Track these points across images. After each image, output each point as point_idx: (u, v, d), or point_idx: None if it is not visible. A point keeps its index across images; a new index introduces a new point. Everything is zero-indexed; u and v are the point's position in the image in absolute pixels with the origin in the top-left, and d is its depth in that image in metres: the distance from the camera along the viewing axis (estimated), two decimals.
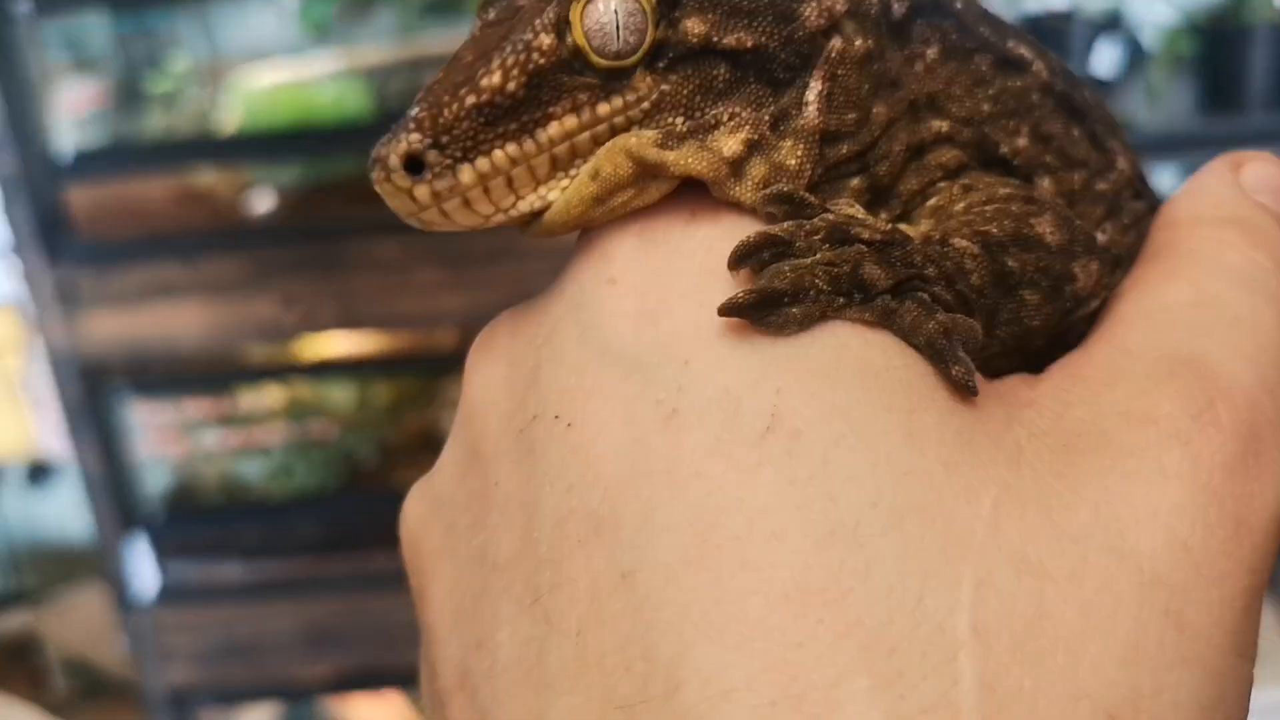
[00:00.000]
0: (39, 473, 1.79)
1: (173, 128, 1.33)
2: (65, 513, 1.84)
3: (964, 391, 0.23)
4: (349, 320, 1.28)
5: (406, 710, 1.72)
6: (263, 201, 1.32)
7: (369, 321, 1.29)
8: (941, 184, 0.28)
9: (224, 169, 1.32)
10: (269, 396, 1.41)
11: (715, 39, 0.25)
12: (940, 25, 0.29)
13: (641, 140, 0.25)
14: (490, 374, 0.27)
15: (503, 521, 0.24)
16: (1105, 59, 1.48)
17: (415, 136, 0.25)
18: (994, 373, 0.26)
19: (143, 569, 1.40)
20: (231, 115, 1.31)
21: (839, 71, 0.26)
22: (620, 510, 0.22)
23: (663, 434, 0.22)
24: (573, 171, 0.26)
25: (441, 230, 0.26)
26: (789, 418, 0.22)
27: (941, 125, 0.29)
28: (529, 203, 0.26)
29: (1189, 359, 0.24)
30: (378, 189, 0.26)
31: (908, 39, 0.28)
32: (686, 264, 0.24)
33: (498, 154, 0.25)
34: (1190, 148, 1.35)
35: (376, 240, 1.26)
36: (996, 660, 0.20)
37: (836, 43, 0.26)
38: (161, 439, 1.41)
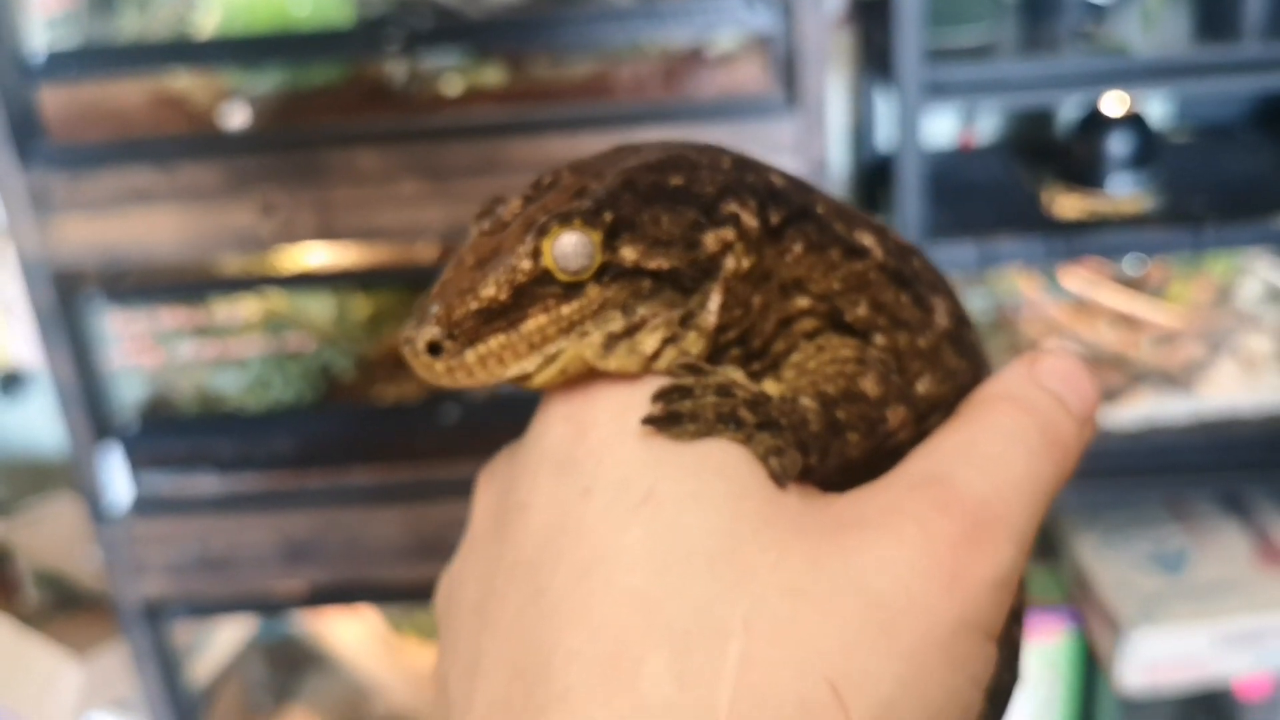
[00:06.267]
0: (11, 382, 1.77)
1: (147, 30, 1.29)
2: (38, 423, 1.82)
3: (778, 483, 0.34)
4: (328, 231, 1.26)
5: (380, 625, 1.72)
6: (240, 109, 1.29)
7: (348, 233, 1.27)
8: (803, 343, 0.40)
9: (200, 73, 1.29)
10: (245, 308, 1.39)
11: (642, 263, 0.36)
12: (805, 228, 0.39)
13: (592, 349, 0.36)
14: (489, 493, 0.39)
15: (478, 579, 0.36)
16: None
17: (436, 329, 0.36)
18: (826, 489, 0.36)
19: (116, 480, 1.39)
20: (208, 18, 1.28)
21: (731, 284, 0.37)
22: (543, 554, 0.33)
23: (577, 505, 0.34)
24: (545, 349, 0.36)
25: (451, 387, 0.37)
26: (658, 495, 0.33)
27: (804, 302, 0.39)
28: (513, 371, 0.37)
29: (942, 476, 0.34)
30: (408, 360, 0.36)
31: (781, 239, 0.39)
32: (611, 403, 0.36)
33: (492, 342, 0.36)
34: (1183, 75, 1.33)
35: (357, 150, 1.24)
36: (756, 642, 0.30)
37: (729, 262, 0.37)
38: (136, 349, 1.39)
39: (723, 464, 0.34)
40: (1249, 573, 1.48)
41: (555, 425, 0.37)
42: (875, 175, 1.66)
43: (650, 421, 0.34)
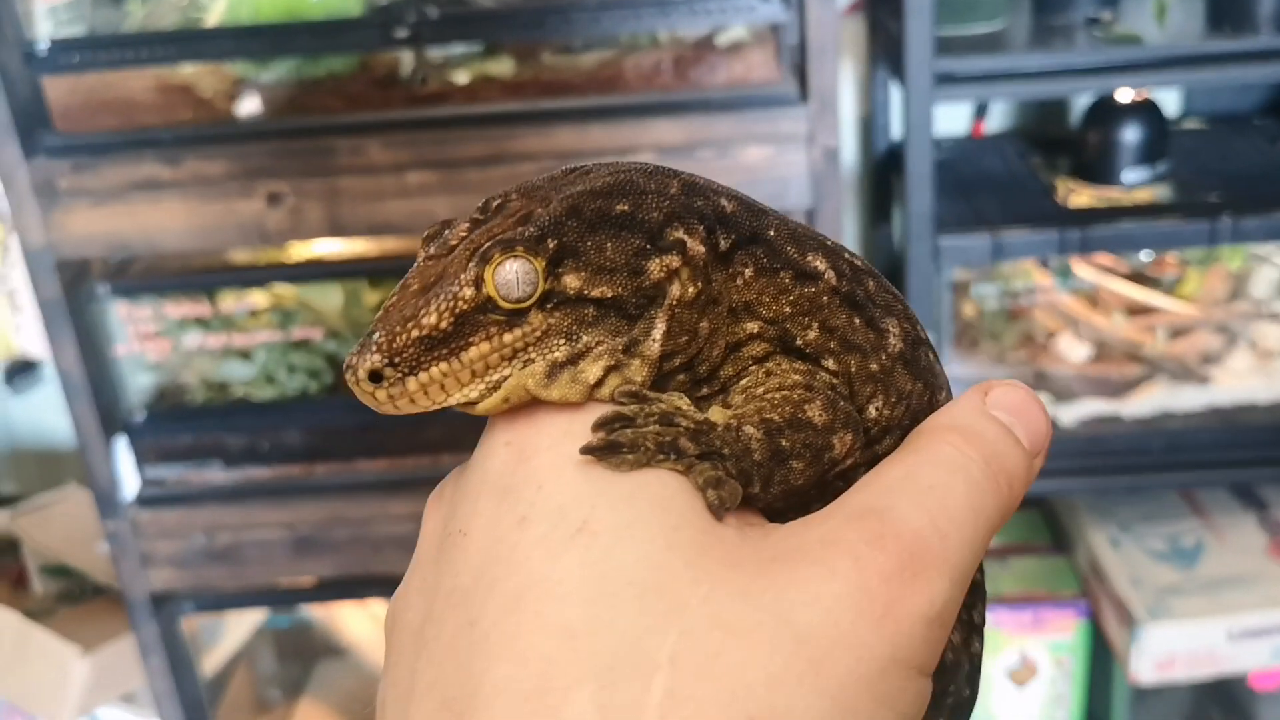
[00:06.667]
0: (18, 374, 1.77)
1: (152, 19, 1.28)
2: (46, 415, 1.82)
3: (716, 515, 0.34)
4: (336, 222, 1.26)
5: None
6: (249, 99, 1.29)
7: (356, 224, 1.26)
8: (752, 368, 0.40)
9: (207, 63, 1.28)
10: (253, 299, 1.38)
11: (585, 291, 0.36)
12: (755, 252, 0.39)
13: (535, 379, 0.36)
14: (436, 516, 0.39)
15: (419, 603, 0.36)
16: None
17: (376, 357, 0.36)
18: (771, 516, 0.37)
19: (123, 472, 1.38)
20: (215, 8, 1.27)
21: (676, 311, 0.37)
22: (478, 582, 0.33)
23: (513, 533, 0.34)
24: (488, 377, 0.37)
25: (393, 415, 0.37)
26: (594, 525, 0.33)
27: (753, 326, 0.39)
28: (456, 399, 0.37)
29: (880, 509, 0.34)
30: (350, 386, 0.36)
31: (730, 263, 0.39)
32: (553, 429, 0.36)
33: (434, 369, 0.36)
34: (1196, 65, 1.32)
35: (365, 140, 1.23)
36: (681, 677, 0.30)
37: (674, 289, 0.37)
38: (142, 340, 1.39)
39: (659, 495, 0.34)
40: (1264, 566, 1.48)
41: (498, 451, 0.37)
42: (887, 165, 1.65)
43: (589, 450, 0.34)
